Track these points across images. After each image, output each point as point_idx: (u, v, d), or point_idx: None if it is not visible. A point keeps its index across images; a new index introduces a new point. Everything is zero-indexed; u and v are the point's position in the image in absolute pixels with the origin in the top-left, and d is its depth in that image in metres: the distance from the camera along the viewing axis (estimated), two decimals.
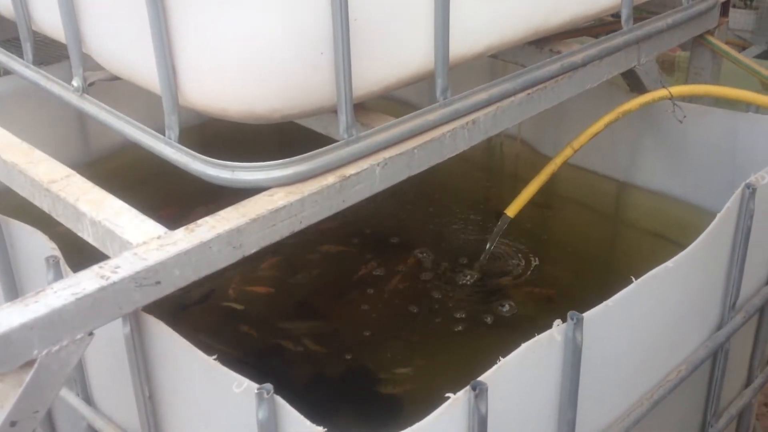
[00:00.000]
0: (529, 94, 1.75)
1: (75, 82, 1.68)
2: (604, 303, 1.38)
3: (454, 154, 1.65)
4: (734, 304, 1.77)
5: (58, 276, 1.40)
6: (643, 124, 2.27)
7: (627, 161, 2.41)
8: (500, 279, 2.36)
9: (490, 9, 1.66)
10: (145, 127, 1.54)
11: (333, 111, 1.54)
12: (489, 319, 2.25)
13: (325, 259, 2.47)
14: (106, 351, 1.43)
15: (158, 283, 1.27)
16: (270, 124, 1.51)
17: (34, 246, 1.53)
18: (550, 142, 2.61)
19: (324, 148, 1.48)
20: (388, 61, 1.54)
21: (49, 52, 2.38)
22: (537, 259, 2.47)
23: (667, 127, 2.24)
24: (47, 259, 1.40)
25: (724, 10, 2.20)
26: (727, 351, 1.81)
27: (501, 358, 1.24)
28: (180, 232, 1.33)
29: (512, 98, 1.73)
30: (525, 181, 2.84)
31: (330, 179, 1.46)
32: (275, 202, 1.40)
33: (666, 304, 1.53)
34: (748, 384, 2.05)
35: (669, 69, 2.96)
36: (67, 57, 1.64)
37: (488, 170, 2.80)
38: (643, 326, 1.51)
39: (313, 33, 1.39)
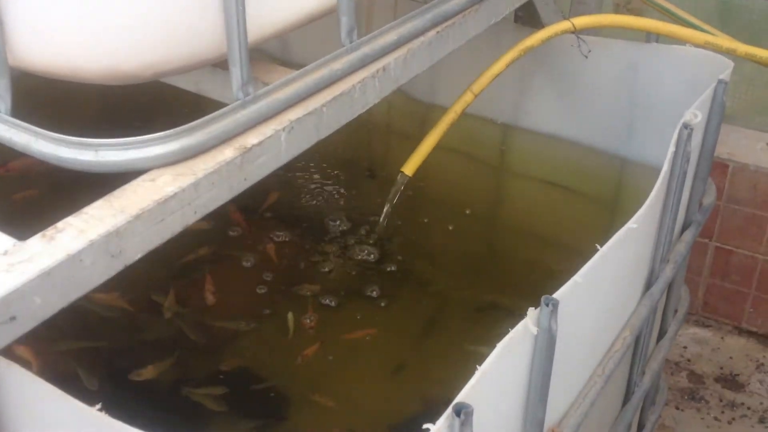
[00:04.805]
0: (438, 32, 1.48)
1: None
2: (573, 279, 1.17)
3: (364, 110, 1.36)
4: (665, 254, 1.62)
5: None
6: (529, 61, 2.07)
7: (512, 103, 2.22)
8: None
9: None
10: None
11: (215, 65, 1.22)
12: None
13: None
14: None
15: (13, 318, 0.91)
16: (136, 84, 1.15)
17: None
18: (423, 84, 2.37)
19: (217, 113, 1.14)
20: None
21: None
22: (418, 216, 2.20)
23: (556, 62, 2.06)
24: None
25: None
26: (656, 306, 1.67)
27: (477, 366, 1.00)
28: (36, 242, 0.97)
29: (422, 38, 1.45)
30: (398, 133, 2.61)
31: (228, 153, 1.14)
32: (162, 189, 1.06)
33: (623, 269, 1.35)
34: (660, 336, 1.94)
35: None
36: None
37: (355, 121, 2.50)
38: (603, 297, 1.32)
39: None
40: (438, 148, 1.92)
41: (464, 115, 2.00)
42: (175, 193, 1.06)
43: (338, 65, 1.29)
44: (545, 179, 2.20)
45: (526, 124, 2.21)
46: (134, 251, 1.03)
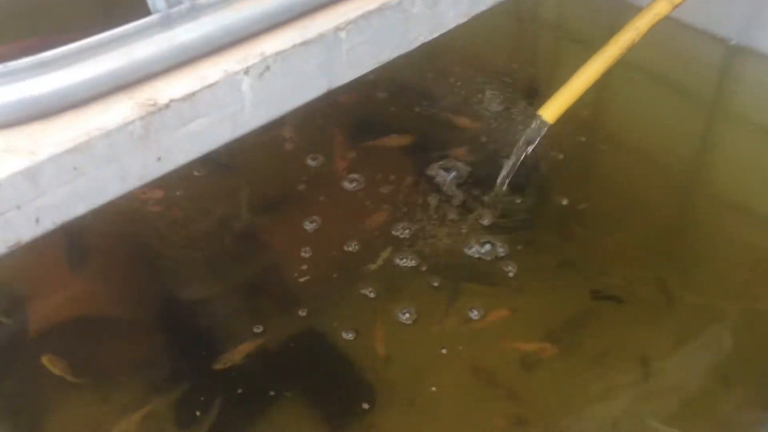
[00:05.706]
0: None
1: None
2: None
3: (431, 38, 0.78)
4: None
5: None
6: None
7: (744, 14, 1.49)
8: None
9: None
10: None
11: None
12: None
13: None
14: None
15: None
16: None
17: None
18: None
19: (106, 35, 0.62)
20: None
21: None
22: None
23: None
24: None
25: None
26: None
27: None
28: None
29: None
30: (571, 40, 1.90)
31: (121, 112, 0.62)
32: None
33: None
34: None
35: None
36: None
37: (515, 19, 1.83)
38: None
39: None
40: (615, 74, 1.27)
41: (669, 26, 1.32)
42: None
43: None
44: None
45: (762, 45, 1.48)
46: None
